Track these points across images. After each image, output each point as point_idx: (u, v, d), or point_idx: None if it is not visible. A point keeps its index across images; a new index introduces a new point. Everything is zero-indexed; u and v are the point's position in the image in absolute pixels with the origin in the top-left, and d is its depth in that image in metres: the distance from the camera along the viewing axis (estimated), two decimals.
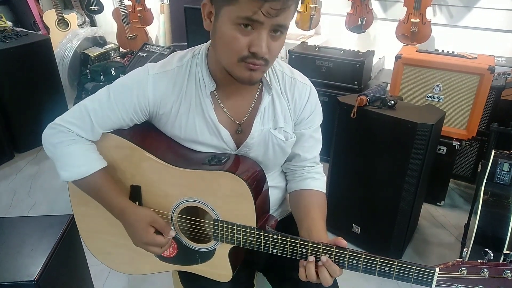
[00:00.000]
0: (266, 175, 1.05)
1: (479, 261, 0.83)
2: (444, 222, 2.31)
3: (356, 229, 2.06)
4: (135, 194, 1.05)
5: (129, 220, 0.99)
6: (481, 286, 0.83)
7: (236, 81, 0.92)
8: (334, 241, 0.90)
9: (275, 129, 1.04)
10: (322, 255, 0.90)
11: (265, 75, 1.00)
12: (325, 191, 1.14)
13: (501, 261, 1.20)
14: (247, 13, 0.80)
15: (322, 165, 1.18)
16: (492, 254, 0.83)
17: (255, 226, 0.96)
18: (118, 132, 1.02)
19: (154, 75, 0.98)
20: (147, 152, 1.00)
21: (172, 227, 1.02)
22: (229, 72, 0.90)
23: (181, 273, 1.14)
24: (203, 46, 1.01)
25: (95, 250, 1.16)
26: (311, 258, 0.90)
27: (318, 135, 1.14)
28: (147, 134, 1.05)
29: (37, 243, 1.31)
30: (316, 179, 1.13)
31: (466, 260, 0.84)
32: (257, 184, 0.98)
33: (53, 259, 1.27)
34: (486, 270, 0.81)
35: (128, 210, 0.99)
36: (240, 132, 1.04)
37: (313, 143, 1.12)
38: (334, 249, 0.89)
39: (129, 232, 1.00)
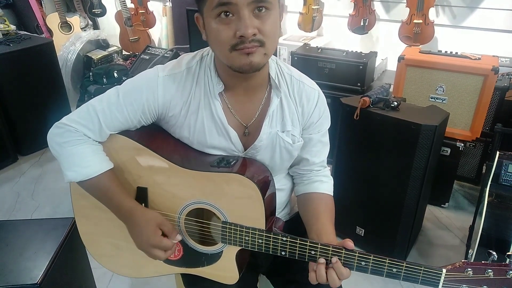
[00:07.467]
0: None
1: (483, 262, 0.83)
2: (449, 224, 2.29)
3: (360, 231, 2.05)
4: (141, 196, 1.04)
5: (137, 221, 0.97)
6: (485, 287, 0.83)
7: (242, 74, 0.90)
8: (342, 243, 0.90)
9: (283, 132, 1.04)
10: (331, 257, 0.90)
11: (273, 77, 1.00)
12: (332, 194, 1.14)
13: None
14: None
15: (329, 168, 1.18)
16: (496, 256, 0.83)
17: (264, 229, 0.95)
18: (125, 133, 1.02)
19: (164, 77, 0.98)
20: (155, 153, 1.00)
21: (179, 231, 1.01)
22: (230, 66, 0.89)
23: (184, 277, 1.13)
24: None
25: (96, 253, 1.15)
26: (322, 260, 0.90)
27: (326, 139, 1.14)
28: (155, 136, 1.04)
29: (40, 246, 1.31)
30: (324, 182, 1.14)
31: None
32: (266, 187, 0.98)
33: (56, 262, 1.26)
34: (490, 270, 0.82)
35: (136, 211, 0.98)
36: (248, 134, 1.04)
37: (321, 147, 1.13)
38: (344, 252, 0.89)
39: (134, 233, 0.99)
